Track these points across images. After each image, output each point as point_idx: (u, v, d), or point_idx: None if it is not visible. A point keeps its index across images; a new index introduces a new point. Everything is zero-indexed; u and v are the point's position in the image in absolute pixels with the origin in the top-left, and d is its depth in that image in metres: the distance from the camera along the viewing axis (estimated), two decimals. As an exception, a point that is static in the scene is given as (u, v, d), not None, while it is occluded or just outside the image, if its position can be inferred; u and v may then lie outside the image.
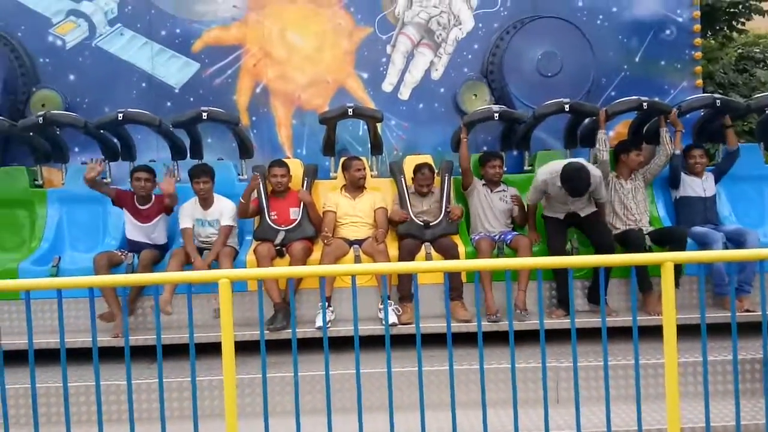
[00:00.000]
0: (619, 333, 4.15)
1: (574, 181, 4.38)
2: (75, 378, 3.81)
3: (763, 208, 5.37)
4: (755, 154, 5.52)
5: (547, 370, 2.77)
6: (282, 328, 4.34)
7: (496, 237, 4.84)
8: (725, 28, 9.44)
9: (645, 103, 5.10)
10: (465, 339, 4.10)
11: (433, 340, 4.05)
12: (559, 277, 4.54)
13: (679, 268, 4.53)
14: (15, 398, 3.70)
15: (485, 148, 6.48)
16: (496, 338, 4.06)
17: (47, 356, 3.90)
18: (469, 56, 6.68)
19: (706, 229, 4.78)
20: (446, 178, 5.08)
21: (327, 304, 4.50)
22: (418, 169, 5.03)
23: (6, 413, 2.69)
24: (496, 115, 5.30)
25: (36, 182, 5.44)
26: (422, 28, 6.67)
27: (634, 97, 5.19)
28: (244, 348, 3.72)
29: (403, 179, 5.12)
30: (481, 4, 6.66)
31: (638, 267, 4.28)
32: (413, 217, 4.87)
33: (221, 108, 5.51)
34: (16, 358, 3.60)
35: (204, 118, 5.21)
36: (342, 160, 5.30)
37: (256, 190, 4.95)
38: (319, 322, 4.39)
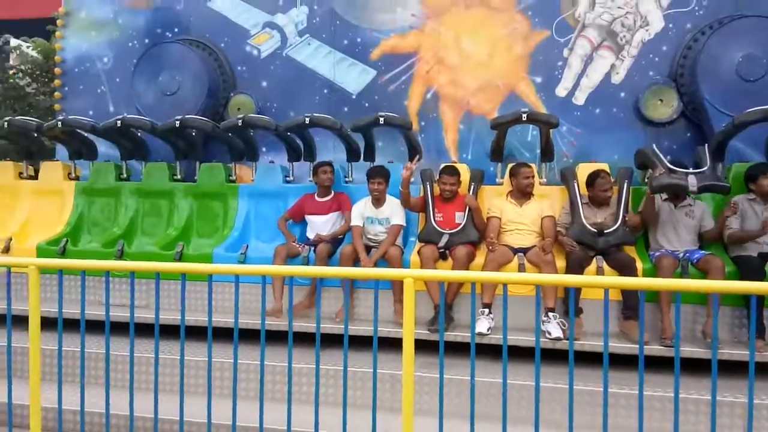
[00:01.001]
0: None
1: None
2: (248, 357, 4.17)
3: None
4: None
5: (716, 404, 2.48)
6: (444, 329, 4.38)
7: (680, 255, 4.45)
8: None
9: None
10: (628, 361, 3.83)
11: (598, 360, 3.83)
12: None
13: None
14: (195, 369, 4.20)
15: (668, 158, 5.99)
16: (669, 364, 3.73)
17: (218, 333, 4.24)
18: (656, 59, 6.23)
19: None
20: (624, 185, 4.80)
21: (487, 311, 4.49)
22: (596, 175, 4.80)
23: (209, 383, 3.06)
24: (524, 116, 5.05)
25: (230, 177, 6.09)
26: (604, 30, 6.36)
27: None
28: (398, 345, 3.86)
29: (576, 186, 4.91)
30: (674, 3, 6.18)
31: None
32: (586, 225, 4.67)
33: (394, 113, 5.74)
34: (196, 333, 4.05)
35: (381, 122, 5.46)
36: (510, 166, 5.23)
37: (422, 190, 5.07)
38: (480, 328, 4.38)
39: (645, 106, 6.14)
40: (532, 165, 5.18)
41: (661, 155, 4.63)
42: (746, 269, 4.22)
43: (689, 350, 4.02)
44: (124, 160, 6.41)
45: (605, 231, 4.60)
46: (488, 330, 4.38)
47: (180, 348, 3.01)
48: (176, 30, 7.35)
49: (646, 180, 5.01)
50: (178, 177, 6.20)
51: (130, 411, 2.99)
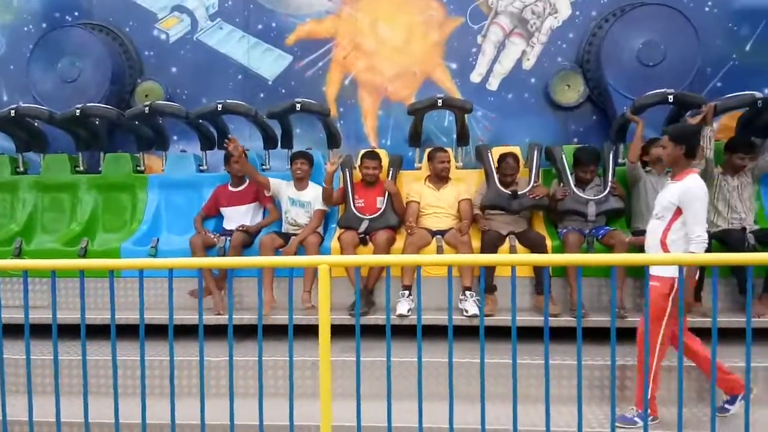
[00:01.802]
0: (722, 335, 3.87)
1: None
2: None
3: None
4: None
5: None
6: (364, 313, 4.42)
7: (586, 231, 4.67)
8: None
9: (759, 101, 4.76)
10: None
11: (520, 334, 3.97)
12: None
13: None
14: (123, 369, 3.99)
15: (576, 140, 6.27)
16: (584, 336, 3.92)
17: (124, 331, 4.03)
18: (564, 45, 6.47)
19: None
20: (534, 156, 5.00)
21: (407, 293, 4.54)
22: (502, 159, 4.97)
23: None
24: (439, 101, 5.23)
25: (138, 168, 5.83)
26: (515, 18, 6.53)
27: (747, 93, 4.89)
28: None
29: (490, 159, 5.03)
30: (580, -9, 6.44)
31: (740, 267, 4.06)
32: (501, 188, 4.82)
33: (312, 99, 5.67)
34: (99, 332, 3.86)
35: (297, 109, 5.38)
36: (427, 151, 5.30)
37: (342, 178, 5.05)
38: (400, 310, 4.45)
39: (554, 91, 6.37)
40: (448, 149, 5.28)
41: (568, 170, 4.87)
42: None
43: (594, 320, 4.23)
44: (20, 153, 5.96)
45: (518, 193, 4.77)
46: (408, 311, 4.46)
47: (81, 348, 2.84)
48: (76, 14, 6.89)
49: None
50: (81, 169, 5.85)
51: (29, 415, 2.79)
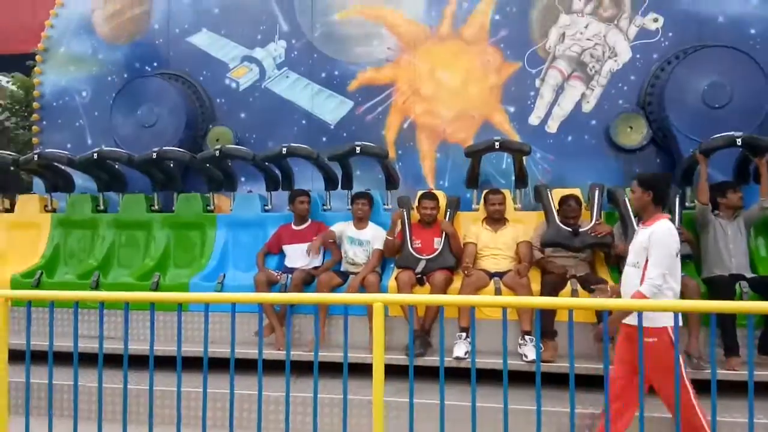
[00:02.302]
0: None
1: None
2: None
3: None
4: None
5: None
6: (420, 354, 4.42)
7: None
8: None
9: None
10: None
11: (580, 382, 3.87)
12: (725, 323, 4.20)
13: None
14: (186, 401, 4.14)
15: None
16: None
17: (191, 364, 4.16)
18: (625, 88, 6.43)
19: None
20: (596, 195, 4.95)
21: (465, 335, 4.51)
22: (563, 201, 4.94)
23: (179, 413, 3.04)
24: (497, 144, 5.25)
25: (208, 207, 6.11)
26: (574, 61, 6.56)
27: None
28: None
29: (550, 197, 5.02)
30: (640, 34, 6.41)
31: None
32: (561, 226, 4.76)
33: (371, 142, 5.83)
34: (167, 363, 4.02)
35: (357, 151, 5.55)
36: (484, 192, 5.34)
37: (400, 220, 5.15)
38: (457, 352, 4.41)
39: (615, 133, 6.31)
40: (505, 191, 5.30)
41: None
42: (716, 289, 4.30)
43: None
44: (101, 192, 6.39)
45: (580, 230, 4.69)
46: (465, 354, 4.41)
47: (149, 378, 2.98)
48: (155, 64, 7.43)
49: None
50: (156, 208, 6.19)
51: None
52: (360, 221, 5.19)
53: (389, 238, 5.06)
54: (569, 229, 4.73)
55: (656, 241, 3.25)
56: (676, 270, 3.29)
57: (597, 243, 4.72)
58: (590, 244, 4.73)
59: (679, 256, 3.32)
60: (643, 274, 3.27)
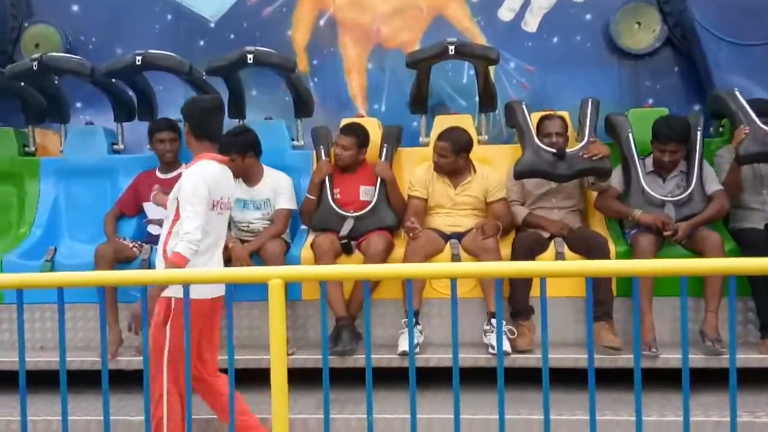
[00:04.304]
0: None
1: None
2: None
3: None
4: None
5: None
6: (349, 351, 4.48)
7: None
8: None
9: None
10: (612, 378, 4.05)
11: (563, 377, 4.05)
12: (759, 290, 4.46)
13: None
14: None
15: (651, 102, 6.30)
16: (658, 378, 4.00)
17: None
18: (633, -34, 6.52)
19: None
20: (588, 110, 5.12)
21: (414, 320, 4.55)
22: (543, 121, 5.09)
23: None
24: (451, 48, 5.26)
25: (27, 148, 5.88)
26: (561, -75, 6.58)
27: None
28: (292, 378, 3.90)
29: (526, 113, 5.12)
30: None
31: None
32: (541, 147, 4.88)
33: (271, 48, 5.69)
34: None
35: (249, 61, 5.39)
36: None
37: (315, 159, 5.17)
38: (403, 346, 4.48)
39: (618, 31, 6.41)
40: (464, 116, 5.36)
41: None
42: (748, 245, 4.55)
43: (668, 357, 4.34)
44: None
45: (567, 151, 4.81)
46: (416, 347, 4.47)
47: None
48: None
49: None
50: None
51: None
52: (248, 175, 5.06)
53: (310, 197, 5.06)
54: (553, 150, 4.84)
55: (183, 187, 3.68)
56: (217, 224, 3.77)
57: (592, 168, 4.83)
58: (582, 169, 4.83)
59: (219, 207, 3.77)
60: (170, 230, 3.72)
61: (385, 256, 4.74)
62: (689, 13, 6.03)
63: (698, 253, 4.55)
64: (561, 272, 3.15)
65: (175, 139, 5.23)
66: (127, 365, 4.58)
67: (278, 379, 2.72)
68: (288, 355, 4.41)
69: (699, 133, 4.93)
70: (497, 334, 2.85)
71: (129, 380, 4.25)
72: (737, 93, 5.01)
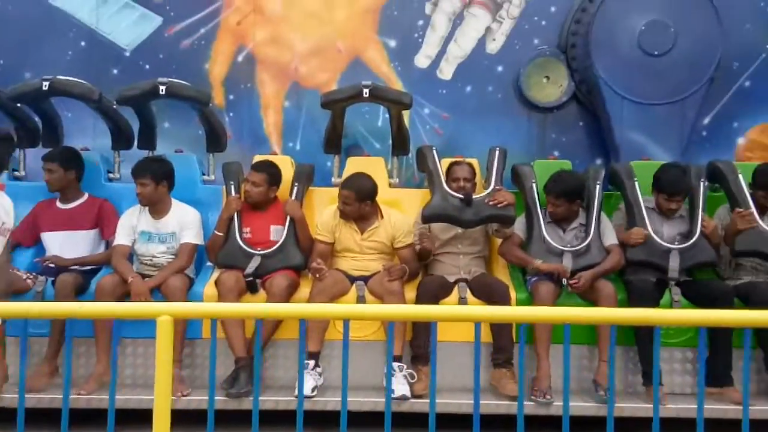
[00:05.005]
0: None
1: None
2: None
3: None
4: None
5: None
6: (245, 393, 4.37)
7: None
8: None
9: None
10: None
11: (463, 423, 4.02)
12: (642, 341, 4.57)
13: None
14: None
15: (556, 153, 6.44)
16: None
17: None
18: (543, 23, 6.73)
19: None
20: (496, 156, 5.19)
21: (313, 363, 4.53)
22: (452, 167, 5.15)
23: None
24: (366, 91, 5.31)
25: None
26: (477, -20, 6.75)
27: None
28: (187, 419, 3.77)
29: (436, 158, 5.16)
30: (567, -53, 6.71)
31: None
32: (449, 193, 4.91)
33: (187, 80, 5.64)
34: None
35: (161, 92, 5.30)
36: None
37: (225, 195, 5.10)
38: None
39: (527, 84, 6.59)
40: (377, 159, 5.39)
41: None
42: (637, 296, 4.67)
43: (576, 405, 4.30)
44: None
45: (474, 197, 4.84)
46: (313, 390, 4.43)
47: None
48: None
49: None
50: None
51: None
52: (155, 208, 4.96)
53: (217, 233, 4.98)
54: (460, 196, 4.88)
55: None
56: None
57: (496, 215, 4.91)
58: (487, 216, 4.89)
59: None
60: None
61: (288, 296, 4.67)
62: (594, 71, 6.25)
63: (594, 303, 4.64)
64: (459, 317, 3.17)
65: (56, 170, 5.06)
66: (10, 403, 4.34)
67: (161, 421, 2.62)
68: (183, 395, 4.43)
69: (598, 186, 5.03)
70: (388, 377, 2.94)
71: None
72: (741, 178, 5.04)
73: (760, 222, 4.79)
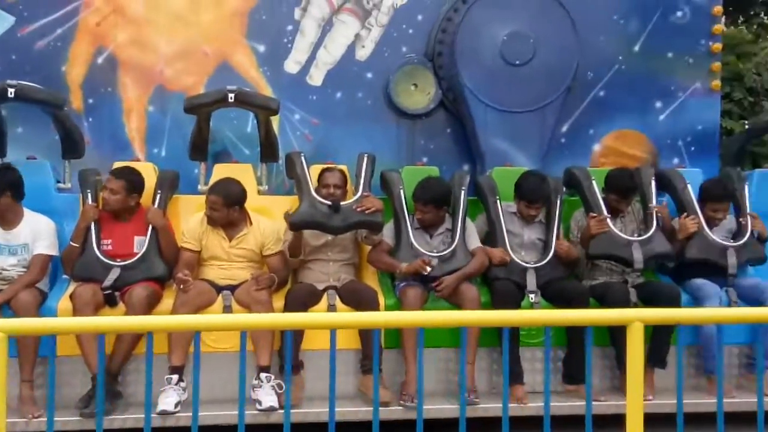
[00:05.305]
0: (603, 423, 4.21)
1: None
2: None
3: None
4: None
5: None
6: (101, 412, 4.16)
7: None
8: (762, 14, 10.05)
9: None
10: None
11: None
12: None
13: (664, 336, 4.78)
14: None
15: (425, 160, 6.52)
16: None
17: None
18: (410, 31, 6.78)
19: (702, 282, 5.06)
20: (364, 165, 5.20)
21: (176, 377, 4.42)
22: (323, 174, 5.17)
23: None
24: (231, 96, 5.36)
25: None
26: (347, -12, 6.75)
27: None
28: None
29: (303, 163, 5.13)
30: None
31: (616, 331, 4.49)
32: (317, 199, 4.90)
33: (43, 83, 5.50)
34: None
35: (10, 95, 5.10)
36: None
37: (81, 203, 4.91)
38: (163, 405, 4.31)
39: (396, 91, 6.65)
40: (245, 166, 5.30)
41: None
42: (499, 297, 4.80)
43: (437, 408, 4.41)
44: None
45: (342, 204, 4.84)
46: (176, 406, 4.33)
47: None
48: None
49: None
50: None
51: None
52: (4, 218, 4.72)
53: (73, 244, 4.78)
54: (328, 203, 4.87)
55: None
56: None
57: (364, 221, 4.92)
58: (355, 222, 4.90)
59: None
60: None
61: (148, 308, 4.52)
62: (460, 79, 6.37)
63: (459, 306, 4.72)
64: (324, 324, 3.19)
65: None
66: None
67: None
68: (34, 417, 4.20)
69: (463, 192, 5.13)
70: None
71: None
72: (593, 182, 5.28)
73: (612, 226, 5.03)
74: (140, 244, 4.87)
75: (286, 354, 3.15)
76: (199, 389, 2.94)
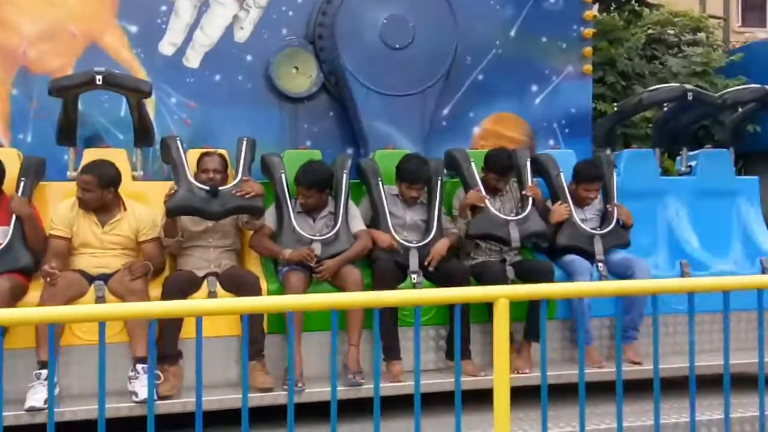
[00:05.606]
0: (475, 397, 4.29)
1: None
2: None
3: (654, 230, 5.97)
4: (649, 163, 6.13)
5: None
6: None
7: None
8: (633, 1, 10.51)
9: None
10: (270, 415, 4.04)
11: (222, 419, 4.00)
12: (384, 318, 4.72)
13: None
14: None
15: (309, 143, 6.46)
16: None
17: None
18: (290, 12, 6.66)
19: (573, 257, 5.28)
20: (243, 150, 5.13)
21: (45, 373, 4.22)
22: (202, 159, 5.07)
23: None
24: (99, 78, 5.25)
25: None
26: (222, -34, 6.57)
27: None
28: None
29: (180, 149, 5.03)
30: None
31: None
32: (193, 184, 4.80)
33: None
34: None
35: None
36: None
37: None
38: (32, 401, 4.18)
39: (277, 74, 6.53)
40: (118, 150, 5.17)
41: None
42: (379, 276, 4.87)
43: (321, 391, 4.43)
44: None
45: (218, 189, 4.77)
46: (46, 402, 4.06)
47: None
48: None
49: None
50: None
51: None
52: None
53: None
54: (206, 188, 4.76)
55: None
56: None
57: (244, 206, 4.85)
58: (235, 207, 4.82)
59: None
60: None
61: (12, 300, 4.30)
62: (341, 62, 6.33)
63: (342, 289, 4.73)
64: (210, 311, 3.04)
65: None
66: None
67: None
68: None
69: (345, 174, 5.14)
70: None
71: None
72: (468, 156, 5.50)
73: (490, 206, 5.18)
74: (3, 234, 4.62)
75: (149, 347, 3.01)
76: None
